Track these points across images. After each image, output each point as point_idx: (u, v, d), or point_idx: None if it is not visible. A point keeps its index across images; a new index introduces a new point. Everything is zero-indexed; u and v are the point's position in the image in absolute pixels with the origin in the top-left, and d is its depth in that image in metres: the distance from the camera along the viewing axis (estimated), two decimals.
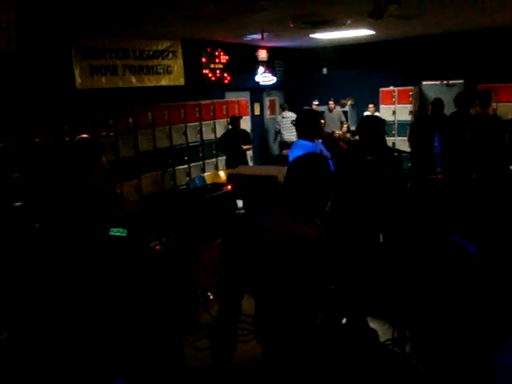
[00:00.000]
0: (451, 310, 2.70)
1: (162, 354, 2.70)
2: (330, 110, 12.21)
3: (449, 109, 8.22)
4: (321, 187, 2.61)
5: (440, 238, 2.78)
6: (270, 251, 2.56)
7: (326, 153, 4.73)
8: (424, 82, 11.56)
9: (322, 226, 2.85)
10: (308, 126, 4.73)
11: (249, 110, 11.54)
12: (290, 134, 11.51)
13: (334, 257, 3.01)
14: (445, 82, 11.08)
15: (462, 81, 10.89)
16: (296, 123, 4.91)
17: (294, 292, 2.53)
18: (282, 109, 12.49)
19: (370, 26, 8.74)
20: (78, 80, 7.79)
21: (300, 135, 4.82)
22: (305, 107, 12.83)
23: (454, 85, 10.96)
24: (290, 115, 11.75)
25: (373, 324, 4.95)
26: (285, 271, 2.49)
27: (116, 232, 2.28)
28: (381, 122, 4.54)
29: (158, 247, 4.96)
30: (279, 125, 12.17)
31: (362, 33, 9.47)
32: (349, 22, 7.82)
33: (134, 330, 2.51)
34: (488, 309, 2.54)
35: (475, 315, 2.56)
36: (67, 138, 7.22)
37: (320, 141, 5.18)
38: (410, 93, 11.42)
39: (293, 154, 4.55)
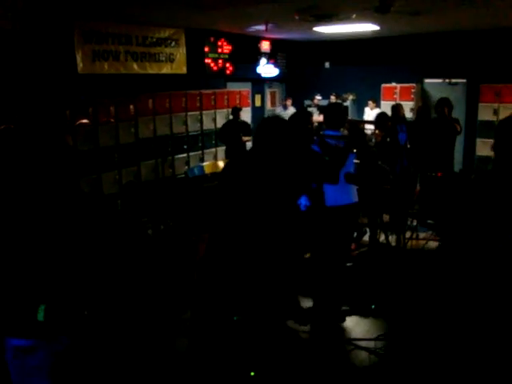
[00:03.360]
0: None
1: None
2: None
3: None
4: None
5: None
6: None
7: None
8: (426, 80, 11.55)
9: None
10: (334, 116, 5.03)
11: (250, 101, 11.52)
12: None
13: None
14: (447, 80, 11.08)
15: (464, 80, 10.89)
16: (324, 115, 5.19)
17: None
18: (285, 101, 12.33)
19: (375, 21, 8.71)
20: (80, 65, 7.75)
21: (327, 125, 5.06)
22: (306, 101, 12.90)
23: (456, 84, 10.96)
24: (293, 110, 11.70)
25: (366, 319, 4.98)
26: None
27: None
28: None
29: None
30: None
31: (367, 28, 9.44)
32: (354, 16, 7.79)
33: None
34: None
35: None
36: (68, 123, 7.19)
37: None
38: (412, 90, 11.41)
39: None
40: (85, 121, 7.38)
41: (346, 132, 5.69)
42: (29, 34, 6.52)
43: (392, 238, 6.21)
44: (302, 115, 5.05)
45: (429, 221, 6.50)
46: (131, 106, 8.28)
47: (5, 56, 6.50)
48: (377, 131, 6.88)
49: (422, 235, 6.90)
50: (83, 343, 2.61)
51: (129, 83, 8.50)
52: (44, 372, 2.41)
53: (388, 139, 7.71)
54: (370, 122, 8.83)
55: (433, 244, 6.54)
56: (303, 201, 3.95)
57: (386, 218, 6.71)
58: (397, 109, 8.22)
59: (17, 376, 2.41)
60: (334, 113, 5.14)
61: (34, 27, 6.65)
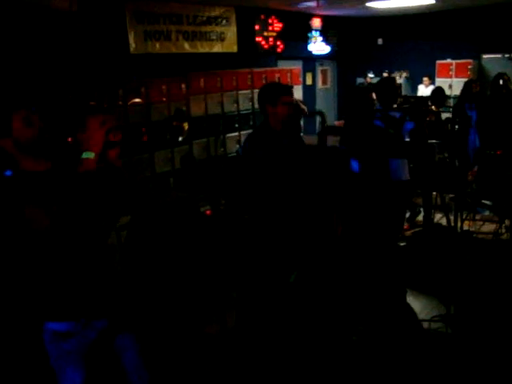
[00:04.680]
0: None
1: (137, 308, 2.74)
2: None
3: None
4: None
5: None
6: None
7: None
8: (484, 55, 11.15)
9: None
10: (387, 92, 4.95)
11: (301, 80, 11.38)
12: None
13: None
14: (507, 55, 10.64)
15: None
16: (376, 91, 5.13)
17: None
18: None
19: None
20: (132, 45, 7.81)
21: (380, 102, 4.99)
22: (358, 79, 12.68)
23: None
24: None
25: (420, 300, 4.89)
26: None
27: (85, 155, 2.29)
28: None
29: (208, 212, 4.99)
30: None
31: (422, 1, 9.17)
32: None
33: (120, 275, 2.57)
34: None
35: None
36: (120, 103, 7.29)
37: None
38: (469, 66, 11.05)
39: None
40: (137, 100, 7.46)
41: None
42: (83, 15, 6.60)
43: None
44: (362, 91, 4.97)
45: (486, 201, 6.32)
46: (182, 85, 8.30)
47: (61, 37, 6.62)
48: (433, 107, 6.66)
49: (478, 216, 6.72)
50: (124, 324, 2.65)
51: (180, 62, 8.52)
52: (78, 355, 2.50)
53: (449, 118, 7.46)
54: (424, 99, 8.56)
55: (490, 226, 6.36)
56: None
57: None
58: (469, 85, 7.75)
59: (53, 358, 2.50)
60: (387, 88, 5.01)
61: (88, 8, 6.73)
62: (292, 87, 9.48)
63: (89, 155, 2.27)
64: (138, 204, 2.70)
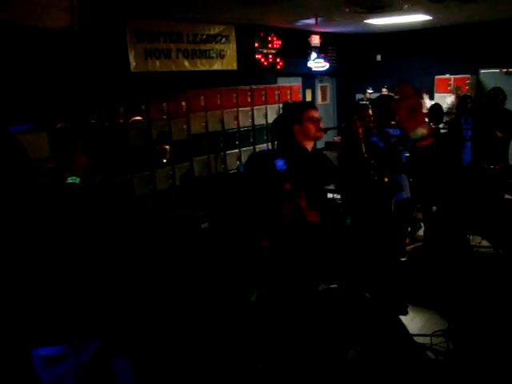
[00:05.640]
0: None
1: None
2: None
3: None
4: None
5: None
6: None
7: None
8: (482, 71, 11.21)
9: None
10: (383, 109, 4.94)
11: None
12: None
13: None
14: (504, 70, 10.71)
15: None
16: (372, 108, 5.05)
17: None
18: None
19: (427, 11, 8.52)
20: (133, 63, 7.89)
21: (376, 120, 4.97)
22: (358, 95, 12.74)
23: None
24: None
25: (421, 315, 4.87)
26: None
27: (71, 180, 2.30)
28: None
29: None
30: None
31: (419, 18, 9.25)
32: (406, 6, 7.64)
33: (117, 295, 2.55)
34: None
35: None
36: (121, 120, 7.33)
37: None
38: (467, 81, 11.10)
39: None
40: (138, 118, 7.50)
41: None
42: (84, 34, 6.66)
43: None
44: (359, 107, 4.97)
45: None
46: (183, 103, 8.36)
47: (62, 56, 6.68)
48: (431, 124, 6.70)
49: None
50: (119, 343, 2.63)
51: (180, 80, 8.59)
52: (72, 378, 2.47)
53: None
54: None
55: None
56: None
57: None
58: (465, 100, 7.74)
59: (45, 383, 2.46)
60: (383, 105, 5.03)
61: (89, 28, 6.80)
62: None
63: (74, 180, 2.29)
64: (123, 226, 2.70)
